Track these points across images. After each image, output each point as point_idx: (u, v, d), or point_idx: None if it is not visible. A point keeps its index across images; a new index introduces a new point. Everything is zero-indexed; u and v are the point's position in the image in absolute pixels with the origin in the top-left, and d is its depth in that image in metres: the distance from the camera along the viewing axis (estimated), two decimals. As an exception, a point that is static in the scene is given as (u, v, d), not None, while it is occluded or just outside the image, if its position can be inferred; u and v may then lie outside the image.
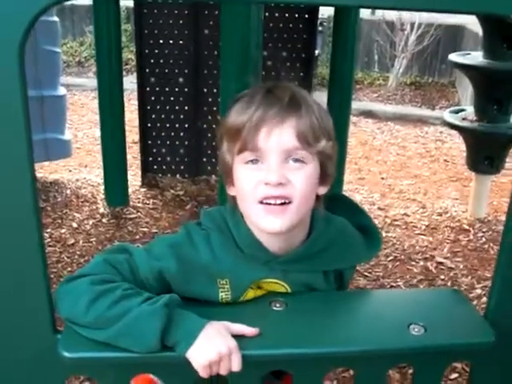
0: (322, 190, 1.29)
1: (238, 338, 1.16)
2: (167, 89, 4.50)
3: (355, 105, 5.88)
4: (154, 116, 4.58)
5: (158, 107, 4.55)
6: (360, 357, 1.22)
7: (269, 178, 1.18)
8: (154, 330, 1.12)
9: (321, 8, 4.50)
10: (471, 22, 8.12)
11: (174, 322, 1.15)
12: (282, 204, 1.20)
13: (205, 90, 4.43)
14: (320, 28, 8.13)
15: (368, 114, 7.73)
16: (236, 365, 1.13)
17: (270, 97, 1.22)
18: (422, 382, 1.32)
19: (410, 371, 2.56)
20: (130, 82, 6.18)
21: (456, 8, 1.06)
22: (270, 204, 1.20)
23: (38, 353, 1.22)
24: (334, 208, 1.38)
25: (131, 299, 1.17)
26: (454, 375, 2.59)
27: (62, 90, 4.45)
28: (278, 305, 1.28)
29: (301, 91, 1.26)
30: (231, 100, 1.29)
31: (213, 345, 1.13)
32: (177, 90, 4.49)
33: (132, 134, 5.19)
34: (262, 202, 1.20)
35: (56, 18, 4.26)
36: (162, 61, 4.41)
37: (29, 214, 1.12)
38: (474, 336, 1.24)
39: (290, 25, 4.31)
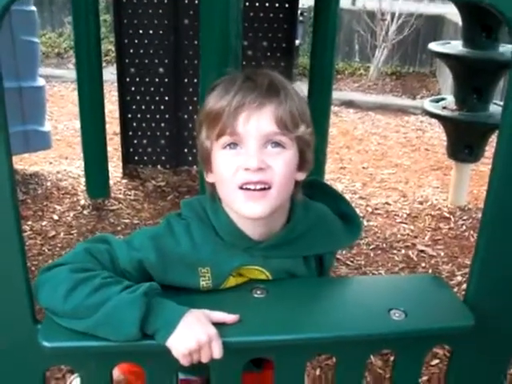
0: (301, 176, 1.30)
1: (218, 325, 1.16)
2: (147, 79, 4.47)
3: (336, 95, 5.89)
4: (134, 107, 4.55)
5: (138, 98, 4.52)
6: (341, 342, 1.23)
7: (248, 164, 1.18)
8: (133, 318, 1.12)
9: (301, -2, 4.50)
10: (451, 12, 8.15)
11: (153, 311, 1.15)
12: (261, 189, 1.20)
13: (185, 81, 4.40)
14: (301, 18, 8.13)
15: (349, 103, 7.75)
16: (217, 352, 1.13)
17: (249, 83, 1.22)
18: (403, 367, 1.33)
19: (392, 358, 2.59)
20: (110, 73, 6.13)
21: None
22: (249, 189, 1.19)
23: (18, 344, 1.21)
24: (313, 195, 1.39)
25: (110, 288, 1.17)
26: (436, 361, 2.62)
27: (40, 81, 4.39)
28: (258, 292, 1.28)
29: (279, 78, 1.26)
30: (209, 87, 1.29)
31: (192, 333, 1.13)
32: (157, 80, 4.46)
33: (113, 125, 5.15)
34: (241, 188, 1.20)
35: (33, 8, 4.19)
36: (141, 51, 4.38)
37: (7, 206, 1.12)
38: (454, 320, 1.25)
39: (271, 14, 4.30)
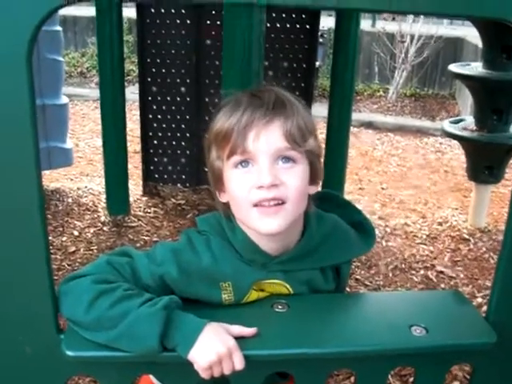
0: (313, 190, 1.31)
1: (238, 339, 1.16)
2: (169, 98, 4.51)
3: (355, 116, 5.91)
4: (155, 125, 4.59)
5: (160, 116, 4.56)
6: (361, 358, 1.23)
7: (261, 181, 1.19)
8: (153, 333, 1.13)
9: (321, 19, 4.52)
10: (471, 35, 8.17)
11: (173, 325, 1.15)
12: (276, 205, 1.20)
13: (206, 100, 4.44)
14: (321, 40, 8.17)
15: (368, 125, 7.75)
16: (238, 363, 1.14)
17: (256, 100, 1.23)
18: (423, 385, 1.33)
19: (411, 379, 2.56)
20: (130, 93, 6.21)
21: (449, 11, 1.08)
22: (264, 206, 1.20)
23: (42, 352, 1.22)
24: (325, 206, 1.40)
25: (131, 300, 1.18)
26: (456, 383, 2.59)
27: (64, 99, 4.46)
28: (280, 306, 1.29)
29: (284, 93, 1.27)
30: (216, 109, 1.30)
31: (212, 346, 1.13)
32: (178, 99, 4.50)
33: (133, 143, 5.22)
34: (256, 205, 1.21)
35: (59, 28, 4.29)
36: (163, 70, 4.43)
37: (35, 219, 1.14)
38: (476, 337, 1.25)
39: (292, 35, 4.33)
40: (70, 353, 1.15)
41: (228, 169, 1.24)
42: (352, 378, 2.52)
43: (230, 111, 1.24)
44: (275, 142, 1.20)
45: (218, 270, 1.28)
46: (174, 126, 4.58)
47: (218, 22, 4.12)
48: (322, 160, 1.34)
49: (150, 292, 1.24)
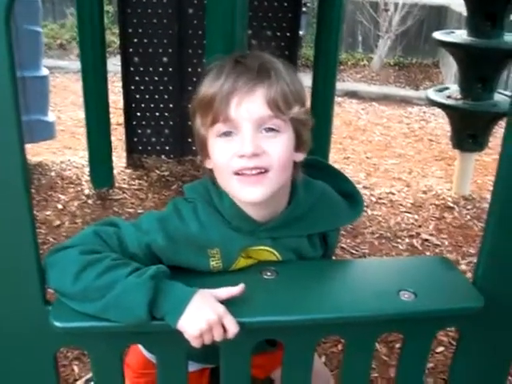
0: (299, 157, 1.29)
1: (227, 307, 1.16)
2: (151, 69, 4.45)
3: (339, 85, 5.89)
4: (137, 96, 4.54)
5: (142, 87, 4.51)
6: (351, 323, 1.23)
7: (243, 150, 1.18)
8: (141, 302, 1.12)
9: (305, -13, 4.48)
10: (455, 3, 8.13)
11: (161, 294, 1.15)
12: (258, 174, 1.19)
13: (189, 70, 4.40)
14: (304, 9, 8.08)
15: (352, 94, 7.74)
16: (231, 327, 1.13)
17: (239, 66, 1.21)
18: (410, 350, 1.33)
19: (398, 345, 2.59)
20: (112, 64, 6.10)
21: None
22: (245, 174, 1.19)
23: (29, 325, 1.22)
24: (314, 174, 1.39)
25: (119, 270, 1.17)
26: (441, 348, 2.62)
27: (44, 71, 4.39)
28: (268, 273, 1.29)
29: (270, 58, 1.25)
30: (201, 76, 1.28)
31: (201, 314, 1.13)
32: (161, 69, 4.45)
33: (116, 115, 5.15)
34: (237, 174, 1.20)
35: (37, -4, 4.20)
36: (145, 40, 4.37)
37: (20, 194, 1.13)
38: (464, 301, 1.25)
39: (275, 3, 4.29)
40: (57, 324, 1.14)
41: (211, 137, 1.24)
42: (339, 346, 2.55)
43: (213, 78, 1.22)
44: (258, 110, 1.18)
45: (206, 237, 1.28)
46: (156, 96, 4.53)
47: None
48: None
49: (137, 261, 1.23)
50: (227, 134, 1.21)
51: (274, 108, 1.19)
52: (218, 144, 1.22)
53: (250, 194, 1.21)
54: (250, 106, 1.18)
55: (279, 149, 1.20)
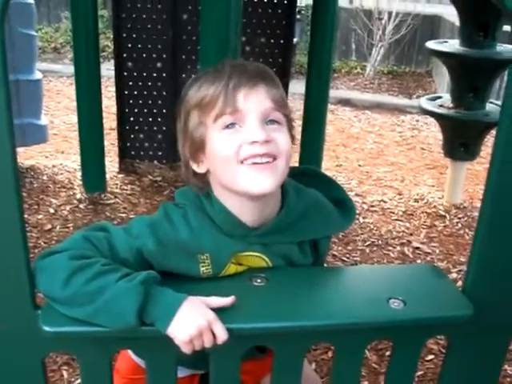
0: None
1: (217, 313, 1.16)
2: (145, 74, 4.46)
3: (333, 93, 5.91)
4: (131, 101, 4.54)
5: (136, 92, 4.51)
6: (340, 330, 1.24)
7: (255, 137, 1.19)
8: (131, 308, 1.12)
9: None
10: (448, 12, 8.18)
11: (150, 300, 1.14)
12: (267, 162, 1.21)
13: (183, 76, 4.40)
14: (298, 16, 8.12)
15: (345, 102, 7.76)
16: (220, 334, 1.13)
17: (239, 67, 1.25)
18: (400, 358, 1.34)
19: (388, 353, 2.60)
20: (106, 69, 6.10)
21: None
22: (255, 163, 1.20)
23: (18, 329, 1.21)
24: (306, 182, 1.40)
25: (108, 275, 1.16)
26: (431, 356, 2.63)
27: (37, 74, 4.38)
28: (258, 280, 1.29)
29: (261, 64, 1.31)
30: (189, 80, 1.31)
31: (191, 320, 1.13)
32: (155, 75, 4.45)
33: (109, 120, 5.15)
34: (243, 162, 1.20)
35: (31, 0, 4.19)
36: (139, 45, 4.37)
37: (10, 197, 1.13)
38: (453, 309, 1.26)
39: (269, 10, 4.30)
40: (47, 328, 1.14)
41: (214, 132, 1.23)
42: (330, 353, 2.55)
43: (212, 78, 1.24)
44: (264, 103, 1.22)
45: (196, 243, 1.28)
46: (150, 102, 4.53)
47: (195, -4, 4.06)
48: (298, 137, 1.36)
49: (127, 267, 1.23)
50: (232, 125, 1.22)
51: (275, 103, 1.23)
52: (224, 137, 1.22)
53: (260, 184, 1.21)
54: (256, 98, 1.21)
55: (284, 139, 1.24)
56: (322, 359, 2.57)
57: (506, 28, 4.61)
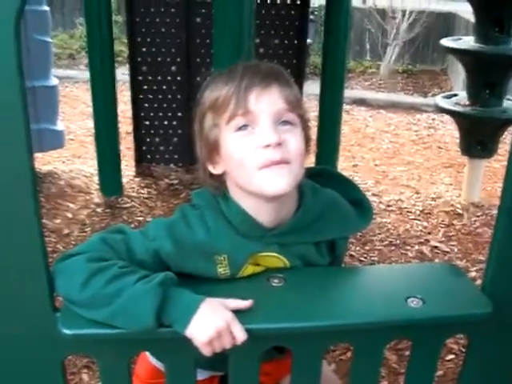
0: (306, 158, 1.31)
1: (236, 314, 1.15)
2: (159, 78, 4.48)
3: (348, 93, 5.89)
4: (146, 105, 4.57)
5: (151, 96, 4.54)
6: (359, 330, 1.23)
7: (268, 140, 1.18)
8: (149, 309, 1.12)
9: (312, -4, 4.51)
10: (462, 9, 8.13)
11: (169, 301, 1.14)
12: (282, 165, 1.20)
13: (197, 79, 4.41)
14: (311, 17, 8.12)
15: (360, 102, 7.74)
16: (240, 335, 1.13)
17: (252, 68, 1.25)
18: (419, 357, 1.33)
19: (407, 353, 2.58)
20: (121, 74, 6.14)
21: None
22: (271, 167, 1.20)
23: (38, 332, 1.21)
24: (323, 182, 1.39)
25: (126, 277, 1.17)
26: (450, 356, 2.61)
27: (54, 80, 4.43)
28: (276, 280, 1.28)
29: (275, 64, 1.31)
30: (204, 82, 1.30)
31: (210, 321, 1.13)
32: (169, 78, 4.48)
33: (125, 124, 5.18)
34: (262, 168, 1.20)
35: (46, 8, 4.23)
36: (154, 49, 4.40)
37: (28, 202, 1.13)
38: (473, 307, 1.25)
39: (282, 11, 4.30)
40: (66, 331, 1.14)
41: (228, 134, 1.23)
42: (348, 354, 2.54)
43: (225, 79, 1.24)
44: (276, 103, 1.21)
45: (213, 244, 1.28)
46: (165, 105, 4.55)
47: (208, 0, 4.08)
48: (314, 137, 1.35)
49: (145, 269, 1.23)
50: (245, 127, 1.21)
51: (289, 103, 1.22)
52: (237, 139, 1.22)
53: (276, 186, 1.20)
54: (268, 99, 1.21)
55: (297, 141, 1.23)
56: (340, 359, 2.56)
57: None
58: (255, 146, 1.20)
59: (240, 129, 1.22)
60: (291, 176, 1.21)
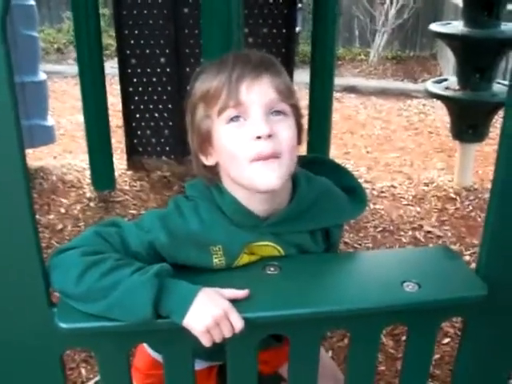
0: (299, 148, 1.30)
1: (232, 303, 1.16)
2: (149, 70, 4.45)
3: (337, 81, 5.86)
4: (136, 98, 4.54)
5: (140, 89, 4.51)
6: (355, 316, 1.23)
7: (259, 131, 1.18)
8: (146, 300, 1.12)
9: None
10: (450, -6, 8.13)
11: (165, 292, 1.14)
12: (273, 158, 1.20)
13: (187, 70, 4.39)
14: (299, 5, 8.09)
15: (351, 89, 7.74)
16: (237, 323, 1.13)
17: (242, 58, 1.24)
18: (416, 341, 1.33)
19: (404, 338, 2.59)
20: (110, 67, 6.12)
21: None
22: (262, 160, 1.19)
23: (35, 328, 1.21)
24: (316, 170, 1.39)
25: (122, 270, 1.17)
26: (447, 340, 2.63)
27: (42, 76, 4.40)
28: (272, 268, 1.29)
29: (267, 54, 1.29)
30: (195, 72, 1.30)
31: (206, 310, 1.13)
32: (158, 70, 4.45)
33: (115, 118, 5.16)
34: (253, 160, 1.20)
35: (33, 2, 4.20)
36: (142, 42, 4.37)
37: (21, 199, 1.13)
38: (468, 290, 1.25)
39: (270, 0, 4.28)
40: (63, 325, 1.15)
41: (220, 125, 1.23)
42: (346, 340, 2.55)
43: (216, 69, 1.23)
44: (267, 94, 1.21)
45: (208, 235, 1.28)
46: (155, 97, 4.53)
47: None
48: (306, 126, 1.35)
49: (140, 261, 1.23)
50: (237, 118, 1.21)
51: (280, 93, 1.22)
52: (229, 130, 1.22)
53: (267, 181, 1.20)
54: (259, 90, 1.20)
55: (289, 132, 1.23)
56: (338, 347, 2.57)
57: (510, 7, 4.56)
58: (247, 138, 1.19)
59: (231, 120, 1.21)
60: (282, 170, 1.21)
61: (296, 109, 1.27)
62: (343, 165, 1.54)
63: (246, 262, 1.32)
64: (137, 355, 1.63)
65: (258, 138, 1.18)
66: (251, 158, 1.20)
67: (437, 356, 2.49)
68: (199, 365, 1.44)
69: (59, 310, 1.18)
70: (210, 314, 1.12)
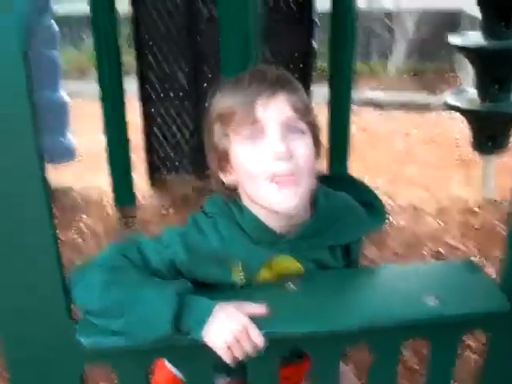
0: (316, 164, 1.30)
1: (252, 319, 1.15)
2: (167, 86, 4.49)
3: (356, 94, 5.87)
4: (155, 115, 4.58)
5: (159, 105, 4.55)
6: (376, 331, 1.22)
7: (276, 149, 1.18)
8: (166, 318, 1.12)
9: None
10: (468, 6, 8.10)
11: (185, 309, 1.15)
12: (291, 179, 1.20)
13: (205, 85, 4.42)
14: (317, 20, 8.10)
15: (369, 103, 7.71)
16: (258, 339, 1.13)
17: (259, 74, 1.24)
18: (437, 355, 1.32)
19: (424, 351, 2.56)
20: (129, 84, 6.17)
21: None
22: (280, 181, 1.20)
23: (57, 344, 1.22)
24: (335, 186, 1.39)
25: (142, 286, 1.18)
26: (469, 353, 2.59)
27: (63, 94, 4.47)
28: (291, 284, 1.28)
29: (283, 70, 1.29)
30: (212, 92, 1.30)
31: (225, 326, 1.13)
32: (177, 86, 4.48)
33: (133, 134, 5.18)
34: (271, 180, 1.20)
35: (53, 22, 4.27)
36: (160, 59, 4.41)
37: (43, 214, 1.15)
38: (490, 304, 1.24)
39: (288, 15, 4.30)
40: (84, 341, 1.15)
41: (236, 144, 1.24)
42: (366, 353, 2.52)
43: (233, 88, 1.24)
44: (284, 112, 1.21)
45: (227, 251, 1.28)
46: (174, 114, 4.56)
47: (211, 6, 4.10)
48: (324, 142, 1.34)
49: (160, 277, 1.24)
50: (254, 137, 1.21)
51: (297, 110, 1.22)
52: (246, 149, 1.22)
53: (283, 203, 1.21)
54: (275, 107, 1.20)
55: (306, 150, 1.22)
56: (359, 360, 2.54)
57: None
58: (263, 156, 1.20)
59: (248, 138, 1.21)
60: (299, 191, 1.21)
61: (313, 126, 1.27)
62: (362, 179, 1.53)
63: (265, 279, 1.32)
64: (157, 371, 1.63)
65: (276, 156, 1.18)
66: (268, 178, 1.20)
67: (458, 368, 2.45)
68: (219, 380, 1.44)
69: (80, 325, 1.19)
70: (228, 329, 1.12)
